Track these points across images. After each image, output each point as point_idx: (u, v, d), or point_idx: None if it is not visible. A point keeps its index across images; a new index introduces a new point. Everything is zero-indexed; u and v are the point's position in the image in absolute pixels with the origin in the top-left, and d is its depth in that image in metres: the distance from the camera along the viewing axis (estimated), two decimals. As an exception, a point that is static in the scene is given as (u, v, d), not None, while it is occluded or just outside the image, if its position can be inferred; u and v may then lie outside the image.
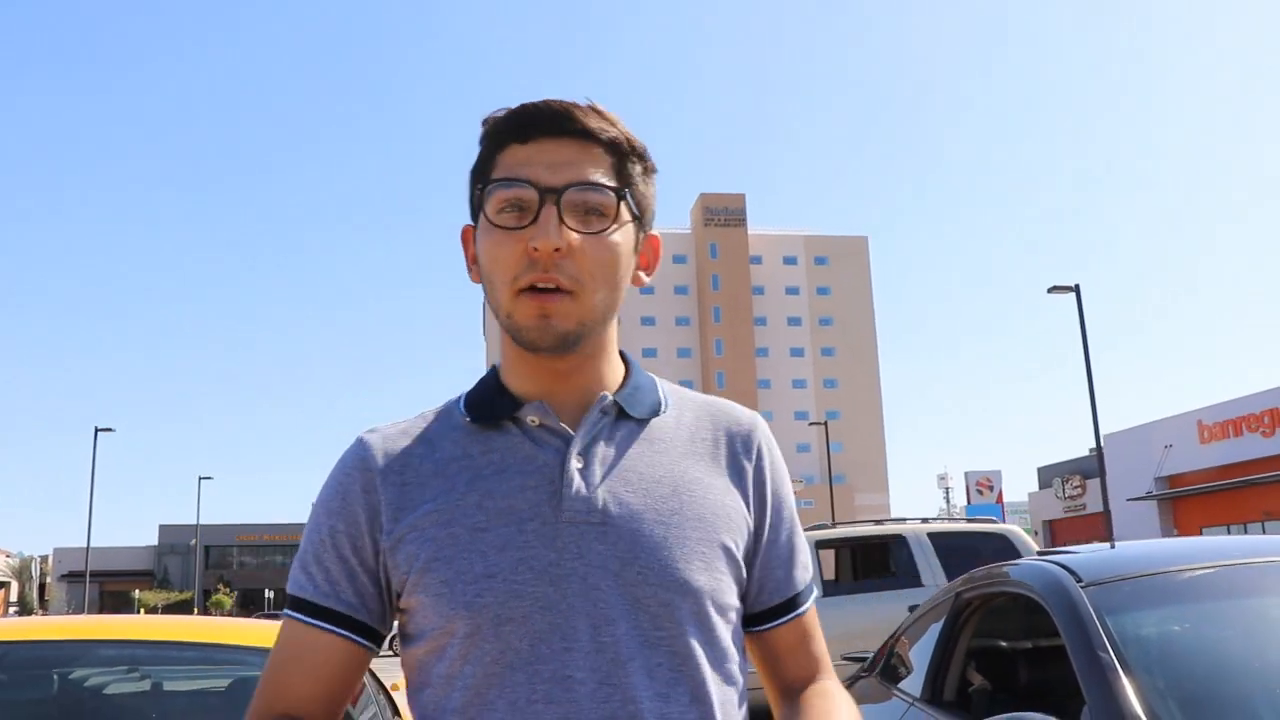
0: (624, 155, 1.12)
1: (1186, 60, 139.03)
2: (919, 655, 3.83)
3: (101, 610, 64.83)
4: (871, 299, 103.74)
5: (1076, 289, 24.91)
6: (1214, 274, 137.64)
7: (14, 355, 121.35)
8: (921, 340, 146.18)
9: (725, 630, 1.12)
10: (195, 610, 62.48)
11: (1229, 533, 30.35)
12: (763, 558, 1.19)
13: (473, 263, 1.17)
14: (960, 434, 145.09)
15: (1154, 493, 37.23)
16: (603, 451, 1.12)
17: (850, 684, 4.58)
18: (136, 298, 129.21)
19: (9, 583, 69.85)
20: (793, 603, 1.21)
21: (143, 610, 59.84)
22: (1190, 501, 36.49)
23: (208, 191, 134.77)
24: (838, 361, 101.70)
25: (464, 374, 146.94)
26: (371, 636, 1.14)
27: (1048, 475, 47.54)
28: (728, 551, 1.12)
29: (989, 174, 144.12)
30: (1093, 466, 36.82)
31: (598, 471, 1.10)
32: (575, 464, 1.10)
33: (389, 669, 2.81)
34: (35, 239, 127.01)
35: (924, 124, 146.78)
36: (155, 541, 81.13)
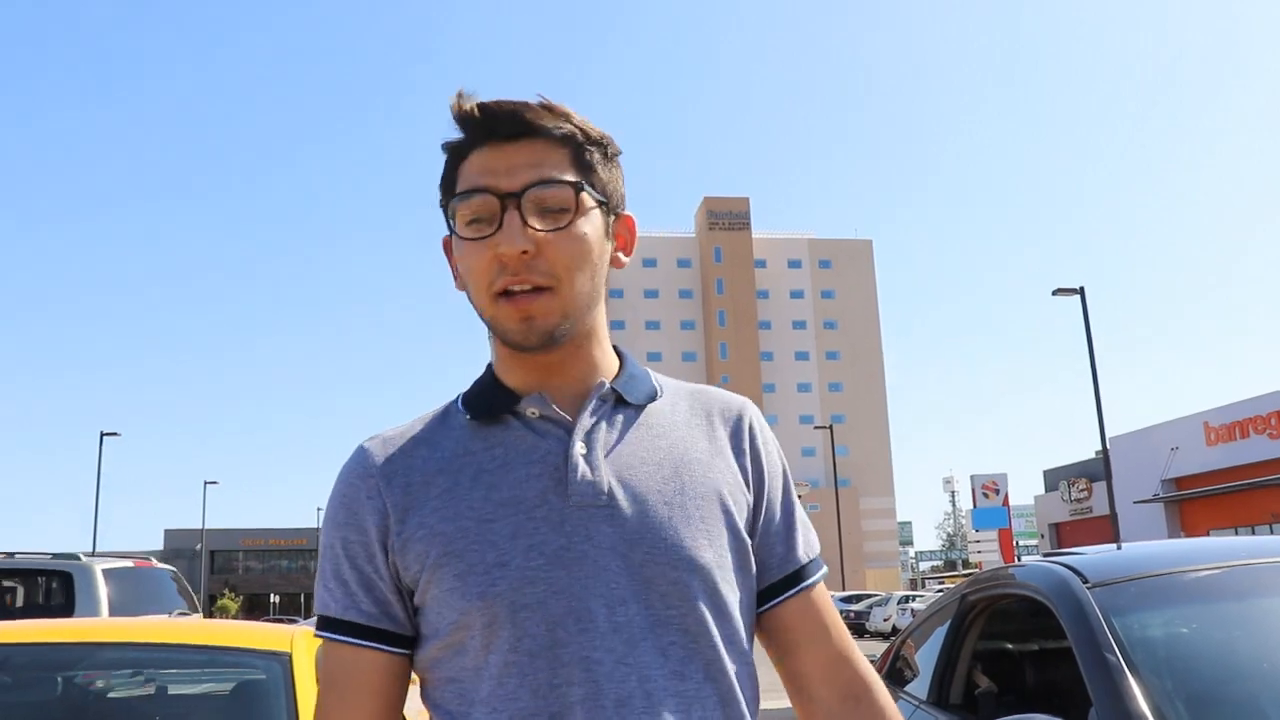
0: (580, 146, 1.13)
1: (1192, 60, 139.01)
2: (924, 658, 3.82)
3: (107, 615, 64.59)
4: (876, 302, 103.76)
5: (1081, 291, 24.88)
6: (1221, 275, 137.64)
7: (20, 360, 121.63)
8: (926, 343, 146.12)
9: (735, 607, 1.13)
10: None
11: (1236, 535, 30.25)
12: (761, 533, 1.19)
13: (456, 273, 1.19)
14: (966, 437, 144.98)
15: (1160, 495, 37.11)
16: (604, 437, 1.13)
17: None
18: (142, 303, 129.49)
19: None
20: (796, 577, 1.20)
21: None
22: (1197, 504, 36.39)
23: (213, 198, 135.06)
24: (842, 365, 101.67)
25: (474, 375, 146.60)
26: (399, 643, 1.13)
27: (1054, 478, 47.44)
28: (732, 529, 1.14)
29: (993, 177, 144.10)
30: (1099, 469, 36.77)
31: (600, 456, 1.11)
32: (579, 450, 1.11)
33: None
34: (40, 244, 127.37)
35: (928, 127, 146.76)
36: (161, 546, 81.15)
